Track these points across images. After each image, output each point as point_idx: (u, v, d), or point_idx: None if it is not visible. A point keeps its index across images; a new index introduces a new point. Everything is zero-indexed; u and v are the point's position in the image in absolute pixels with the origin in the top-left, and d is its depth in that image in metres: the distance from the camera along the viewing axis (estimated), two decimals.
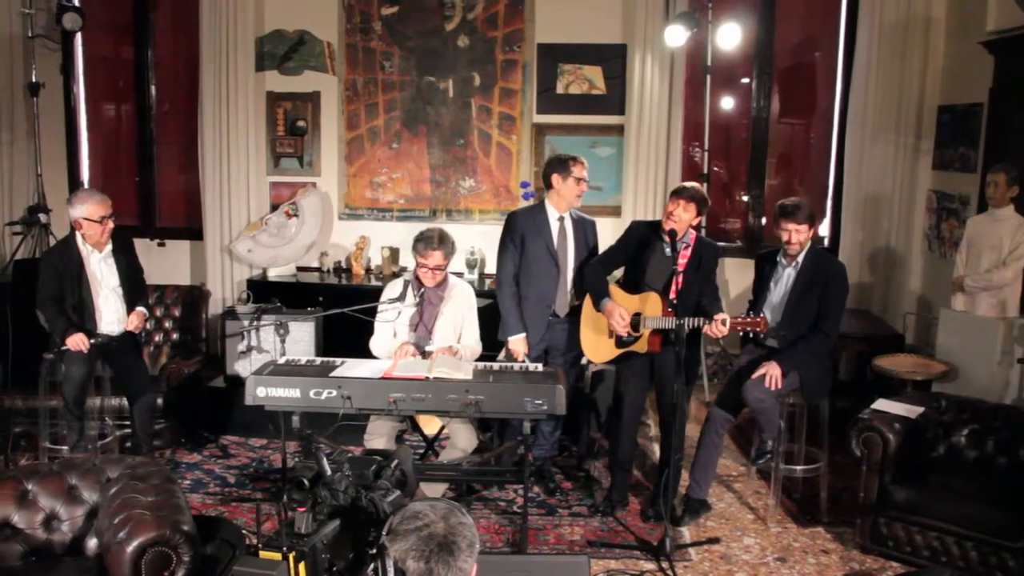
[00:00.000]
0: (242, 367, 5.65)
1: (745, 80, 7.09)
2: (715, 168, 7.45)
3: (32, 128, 6.63)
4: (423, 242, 4.50)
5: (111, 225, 4.63)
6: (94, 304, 4.66)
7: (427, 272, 4.52)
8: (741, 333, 4.37)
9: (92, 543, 3.37)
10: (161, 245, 7.26)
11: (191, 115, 7.06)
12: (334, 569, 2.40)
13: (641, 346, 4.51)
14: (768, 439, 4.66)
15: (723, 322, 4.21)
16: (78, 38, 7.10)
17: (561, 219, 4.87)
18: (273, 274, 6.85)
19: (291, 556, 2.19)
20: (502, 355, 4.98)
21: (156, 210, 7.50)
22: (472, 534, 1.91)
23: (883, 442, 4.23)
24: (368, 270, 7.04)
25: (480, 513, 4.75)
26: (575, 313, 4.90)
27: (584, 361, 5.33)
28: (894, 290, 6.58)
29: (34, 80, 6.54)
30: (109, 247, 4.72)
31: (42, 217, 6.45)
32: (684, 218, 4.42)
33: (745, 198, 7.20)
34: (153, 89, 7.37)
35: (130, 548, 3.00)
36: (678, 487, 4.70)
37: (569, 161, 4.81)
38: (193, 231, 7.22)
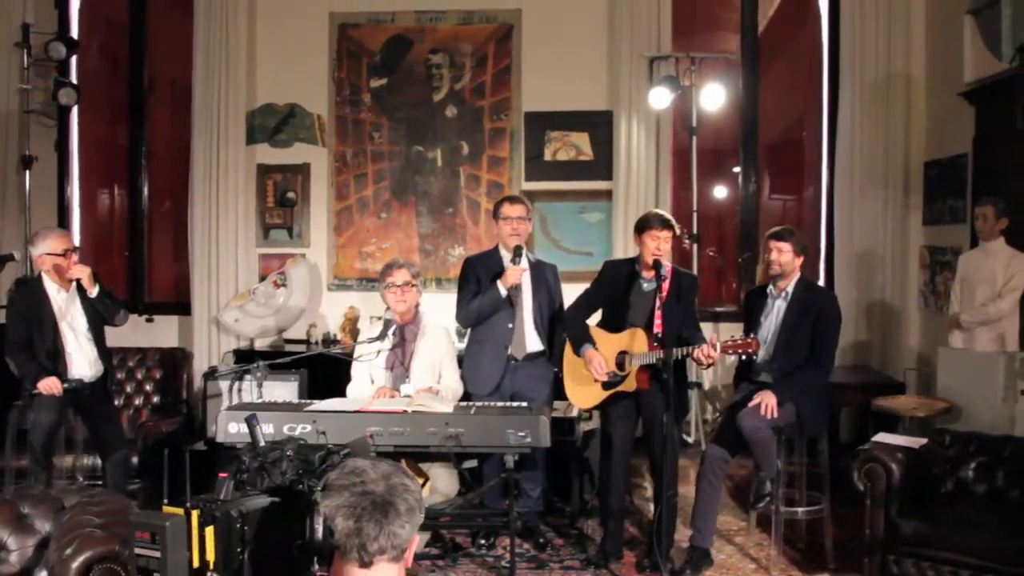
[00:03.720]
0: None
1: (731, 148, 7.16)
2: (709, 253, 7.47)
3: (23, 202, 6.65)
4: (386, 267, 4.57)
5: (75, 258, 4.59)
6: (65, 348, 4.57)
7: (396, 291, 4.47)
8: (734, 356, 4.25)
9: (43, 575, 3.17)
10: (149, 321, 7.18)
11: (182, 190, 7.10)
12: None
13: (629, 384, 4.39)
14: (766, 478, 4.45)
15: (712, 346, 4.11)
16: (74, 115, 7.20)
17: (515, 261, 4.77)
18: (260, 345, 6.76)
19: (194, 514, 1.99)
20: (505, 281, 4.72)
21: (145, 285, 7.45)
22: (415, 500, 1.75)
23: (886, 473, 4.03)
24: (352, 351, 6.93)
25: (466, 568, 4.52)
26: (540, 358, 4.84)
27: (574, 412, 5.19)
28: (892, 346, 6.46)
29: (28, 153, 6.58)
30: (75, 285, 4.65)
31: None
32: (665, 248, 4.39)
33: (739, 260, 7.17)
34: (145, 167, 7.43)
35: (75, 564, 2.77)
36: (674, 531, 4.47)
37: (503, 202, 4.85)
38: (182, 305, 7.15)
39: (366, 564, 1.68)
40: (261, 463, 2.29)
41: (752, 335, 4.25)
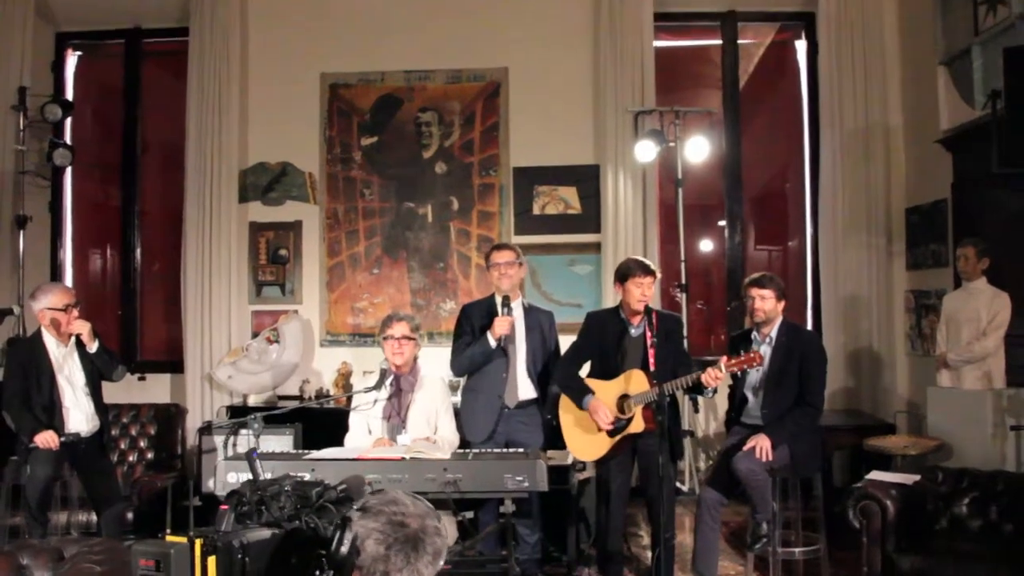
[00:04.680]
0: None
1: (716, 200, 7.30)
2: (698, 305, 7.56)
3: (17, 261, 6.69)
4: (387, 318, 4.59)
5: (76, 314, 4.62)
6: (62, 403, 4.57)
7: (394, 343, 4.49)
8: (739, 372, 4.32)
9: None
10: (142, 379, 7.17)
11: (174, 250, 7.16)
12: None
13: (637, 425, 4.40)
14: (762, 520, 4.47)
15: (719, 367, 4.17)
16: (67, 176, 7.31)
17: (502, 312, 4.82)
18: (253, 401, 6.76)
19: (197, 543, 2.00)
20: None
21: (137, 344, 7.47)
22: (442, 545, 1.80)
23: (881, 509, 4.08)
24: (350, 397, 6.94)
25: None
26: (533, 405, 4.86)
27: (569, 460, 5.20)
28: (881, 390, 6.53)
29: (22, 213, 6.65)
30: (73, 340, 4.68)
31: None
32: (649, 294, 4.50)
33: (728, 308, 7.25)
34: (138, 226, 7.51)
35: None
36: (672, 574, 4.46)
37: (492, 251, 4.93)
38: (173, 364, 7.16)
39: None
40: (261, 496, 2.31)
41: (754, 349, 4.31)
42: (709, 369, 4.19)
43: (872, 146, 6.63)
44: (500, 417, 4.81)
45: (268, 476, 2.48)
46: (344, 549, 1.74)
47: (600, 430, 4.48)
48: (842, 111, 6.65)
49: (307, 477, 3.93)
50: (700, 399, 6.42)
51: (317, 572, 2.12)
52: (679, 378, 4.25)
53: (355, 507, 1.79)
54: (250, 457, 2.44)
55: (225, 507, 2.29)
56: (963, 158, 5.85)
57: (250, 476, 3.98)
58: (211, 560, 2.02)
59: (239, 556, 2.10)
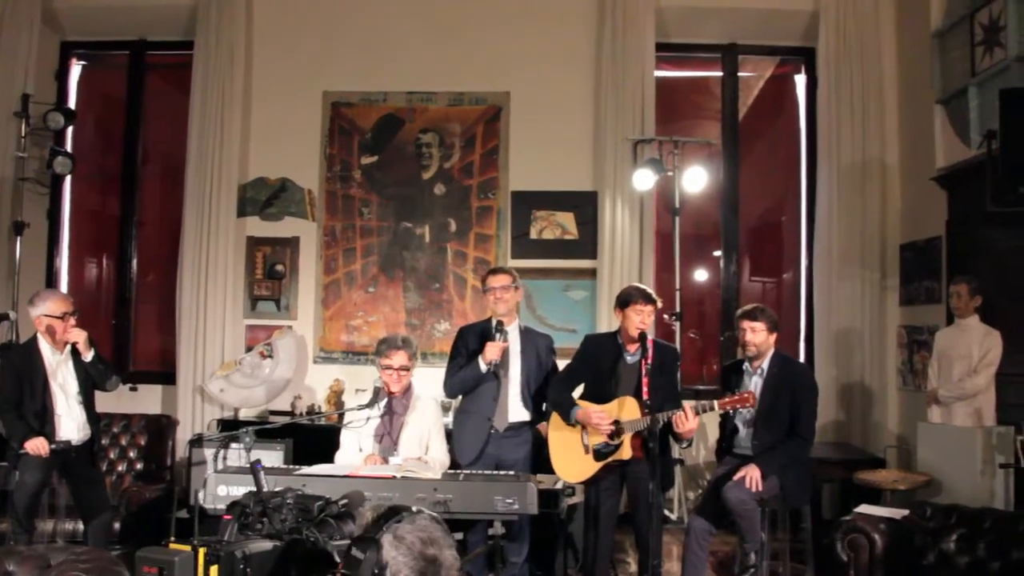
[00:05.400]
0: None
1: (712, 231, 7.35)
2: (691, 335, 7.58)
3: (13, 267, 6.69)
4: (385, 343, 4.55)
5: (73, 322, 4.62)
6: (54, 410, 4.57)
7: (392, 374, 4.49)
8: (731, 411, 4.35)
9: None
10: (133, 389, 7.14)
11: (170, 261, 7.17)
12: None
13: (625, 452, 4.40)
14: (751, 550, 4.46)
15: (685, 412, 4.20)
16: (67, 184, 7.34)
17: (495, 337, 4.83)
18: (244, 415, 6.74)
19: (201, 551, 2.02)
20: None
21: (130, 354, 7.46)
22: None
23: (869, 543, 4.09)
24: (341, 415, 6.93)
25: None
26: (524, 427, 4.86)
27: (559, 484, 5.19)
28: (872, 425, 6.55)
29: (20, 220, 6.66)
30: (69, 348, 4.68)
31: None
32: (648, 322, 4.51)
33: (720, 338, 7.26)
34: (135, 237, 7.52)
35: None
36: None
37: (488, 275, 4.95)
38: (166, 375, 7.14)
39: None
40: (263, 508, 2.32)
41: (747, 390, 4.33)
42: (679, 412, 4.21)
43: (868, 181, 6.68)
44: (488, 439, 4.82)
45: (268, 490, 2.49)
46: (367, 573, 1.74)
47: (587, 452, 4.48)
48: (839, 146, 6.71)
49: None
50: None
51: None
52: (663, 412, 4.27)
53: (386, 530, 1.79)
54: (254, 469, 2.46)
55: (228, 517, 2.30)
56: (958, 196, 5.90)
57: (242, 490, 4.01)
58: (213, 569, 2.05)
59: (241, 567, 2.12)
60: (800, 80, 7.34)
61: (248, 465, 4.35)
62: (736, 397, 4.23)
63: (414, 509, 1.88)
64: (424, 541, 1.77)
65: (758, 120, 7.60)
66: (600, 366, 4.63)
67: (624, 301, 4.57)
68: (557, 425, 4.65)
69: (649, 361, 4.35)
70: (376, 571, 1.74)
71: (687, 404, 4.25)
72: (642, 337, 4.45)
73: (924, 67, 6.26)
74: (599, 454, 4.47)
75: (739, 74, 7.37)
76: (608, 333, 4.86)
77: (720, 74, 7.36)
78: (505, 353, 4.83)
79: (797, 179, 7.27)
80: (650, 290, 4.62)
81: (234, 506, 2.35)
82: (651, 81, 6.89)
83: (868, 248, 6.68)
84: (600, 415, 4.39)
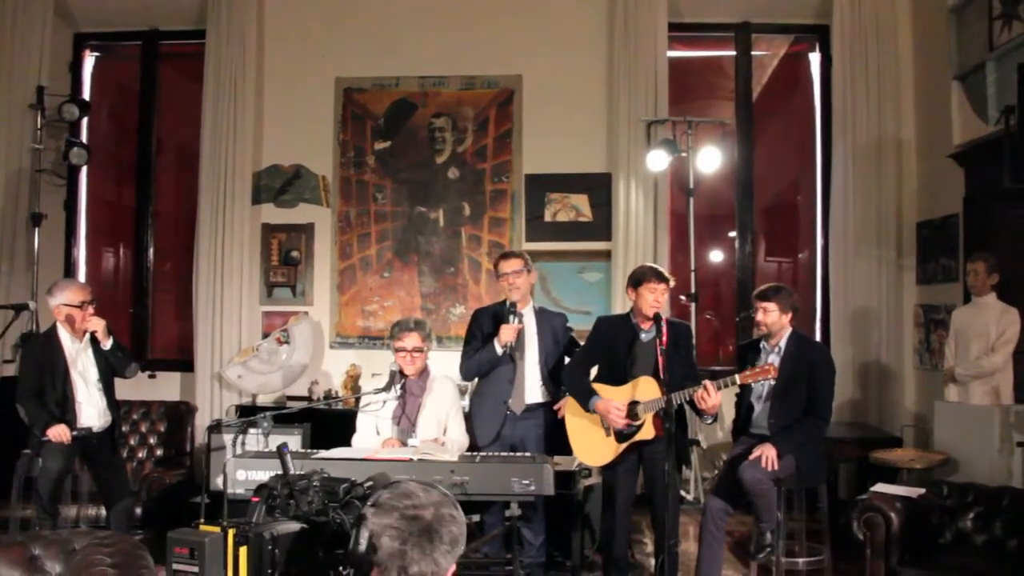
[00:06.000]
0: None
1: (727, 211, 7.32)
2: (707, 316, 7.57)
3: (31, 258, 6.75)
4: (398, 326, 4.60)
5: (91, 310, 4.67)
6: (75, 397, 4.62)
7: (406, 356, 4.52)
8: (754, 383, 4.34)
9: None
10: (152, 377, 7.22)
11: (186, 249, 7.22)
12: None
13: (647, 432, 4.39)
14: (767, 530, 4.47)
15: (706, 388, 4.18)
16: (83, 175, 7.40)
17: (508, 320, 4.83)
18: (262, 400, 6.80)
19: (230, 532, 2.06)
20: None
21: (148, 342, 7.53)
22: (459, 531, 1.80)
23: (885, 521, 4.08)
24: (358, 399, 6.97)
25: None
26: (540, 409, 4.89)
27: (576, 466, 5.21)
28: (888, 404, 6.53)
29: (37, 211, 6.71)
30: (88, 336, 4.73)
31: None
32: (662, 301, 4.50)
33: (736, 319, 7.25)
34: (151, 226, 7.58)
35: None
36: None
37: (499, 260, 4.98)
38: (184, 363, 7.21)
39: None
40: (290, 491, 2.36)
41: (769, 362, 4.32)
42: (699, 389, 4.19)
43: (884, 159, 6.63)
44: (505, 421, 4.84)
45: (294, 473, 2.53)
46: (361, 548, 1.76)
47: (609, 435, 4.49)
48: (855, 124, 6.66)
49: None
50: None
51: (341, 567, 2.16)
52: (684, 389, 4.26)
53: (368, 503, 1.80)
54: (281, 452, 2.49)
55: (256, 499, 2.34)
56: (975, 173, 5.85)
57: (261, 474, 4.06)
58: (243, 550, 2.10)
59: (269, 548, 2.17)
60: (814, 58, 7.27)
61: (266, 449, 4.43)
62: (758, 369, 4.21)
63: (402, 479, 1.89)
64: (405, 504, 1.77)
65: (772, 99, 7.54)
66: (615, 347, 4.63)
67: (637, 280, 4.56)
68: (575, 411, 4.65)
69: (664, 339, 4.35)
70: (366, 544, 1.76)
71: (708, 381, 4.22)
72: (656, 317, 4.44)
73: (940, 42, 6.18)
74: (621, 435, 4.46)
75: (752, 53, 7.31)
76: (621, 314, 4.86)
77: (733, 53, 7.30)
78: (520, 335, 4.85)
79: (812, 158, 7.22)
80: (662, 269, 4.61)
81: (262, 488, 2.39)
82: (664, 61, 6.85)
83: (884, 227, 6.64)
84: (618, 412, 4.39)
